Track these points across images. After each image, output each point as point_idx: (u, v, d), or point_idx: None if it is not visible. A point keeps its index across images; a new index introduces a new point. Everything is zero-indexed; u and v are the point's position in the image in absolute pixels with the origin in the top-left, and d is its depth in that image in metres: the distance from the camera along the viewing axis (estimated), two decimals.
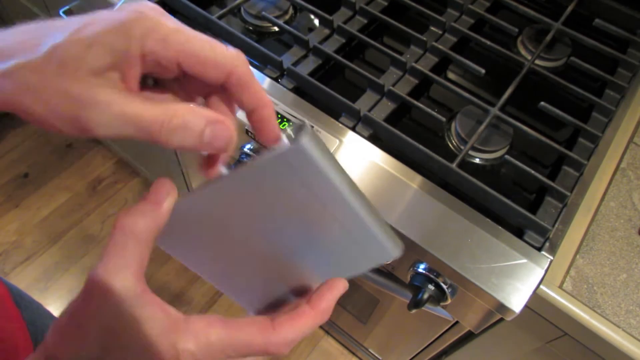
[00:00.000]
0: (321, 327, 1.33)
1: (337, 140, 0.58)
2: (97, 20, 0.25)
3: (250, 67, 0.28)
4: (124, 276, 0.25)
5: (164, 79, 0.28)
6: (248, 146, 0.65)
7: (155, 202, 0.27)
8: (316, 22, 0.72)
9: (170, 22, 0.26)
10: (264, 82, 0.63)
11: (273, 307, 0.34)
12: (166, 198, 0.27)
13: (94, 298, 0.25)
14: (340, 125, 0.60)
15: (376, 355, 1.15)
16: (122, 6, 0.24)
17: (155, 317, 0.25)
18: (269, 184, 0.27)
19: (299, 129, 0.27)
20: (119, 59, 0.25)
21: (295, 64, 0.65)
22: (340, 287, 0.31)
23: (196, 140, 0.25)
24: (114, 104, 0.24)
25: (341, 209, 0.28)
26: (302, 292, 0.33)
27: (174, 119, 0.25)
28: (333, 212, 0.28)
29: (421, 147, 0.56)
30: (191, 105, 0.26)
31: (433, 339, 0.80)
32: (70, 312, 0.25)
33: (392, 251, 0.31)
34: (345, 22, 0.69)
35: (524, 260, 0.51)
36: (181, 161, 1.03)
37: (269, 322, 0.28)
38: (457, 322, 0.69)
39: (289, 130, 0.28)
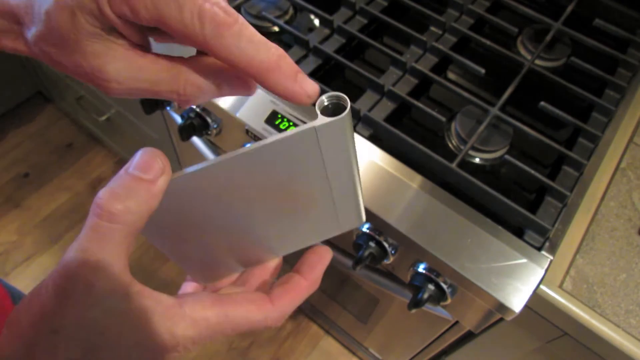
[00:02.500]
0: (321, 326, 1.33)
1: None
2: None
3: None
4: (111, 271, 0.22)
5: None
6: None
7: (150, 181, 0.22)
8: (316, 22, 0.72)
9: None
10: None
11: (219, 276, 0.33)
12: (160, 175, 0.23)
13: (73, 295, 0.21)
14: None
15: (376, 355, 1.15)
16: None
17: (147, 309, 0.23)
18: (284, 160, 0.25)
19: (331, 98, 0.25)
20: (104, 22, 0.23)
21: (296, 63, 0.65)
22: (329, 256, 0.31)
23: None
24: (125, 58, 0.24)
25: (343, 180, 0.27)
26: (251, 262, 0.33)
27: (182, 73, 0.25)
28: (333, 181, 0.27)
29: (421, 147, 0.56)
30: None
31: (433, 338, 0.80)
32: (39, 312, 0.21)
33: (363, 219, 0.32)
34: (345, 22, 0.69)
35: (524, 260, 0.51)
36: (181, 161, 1.03)
37: (266, 298, 0.28)
38: (457, 322, 0.69)
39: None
